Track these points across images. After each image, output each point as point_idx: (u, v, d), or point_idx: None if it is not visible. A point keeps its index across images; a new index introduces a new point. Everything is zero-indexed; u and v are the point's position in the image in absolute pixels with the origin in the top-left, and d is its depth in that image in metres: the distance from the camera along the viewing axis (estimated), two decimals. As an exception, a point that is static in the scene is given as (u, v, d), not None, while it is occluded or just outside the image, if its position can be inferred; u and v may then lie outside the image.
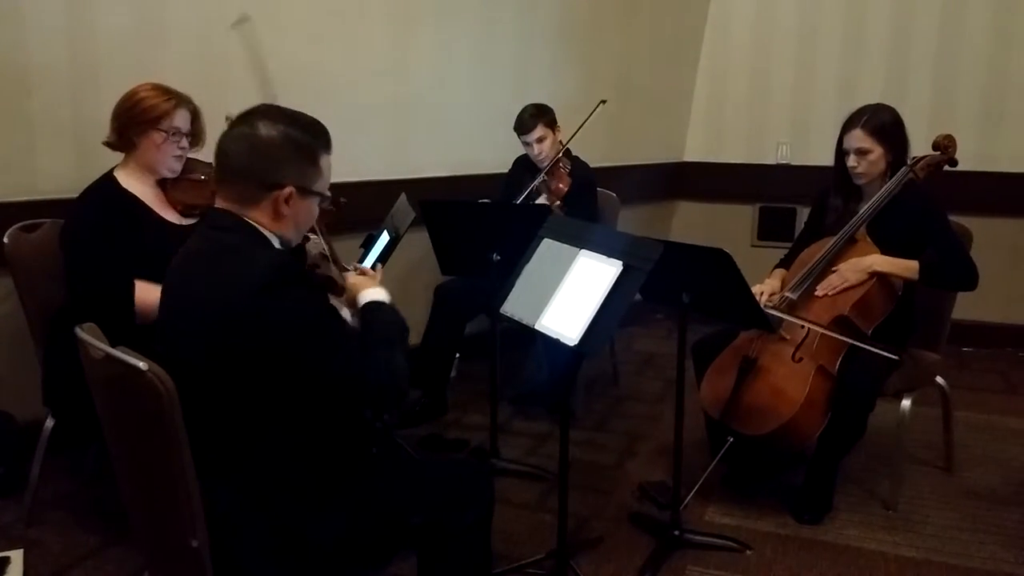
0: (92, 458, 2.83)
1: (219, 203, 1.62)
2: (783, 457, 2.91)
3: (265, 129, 1.57)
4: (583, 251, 2.13)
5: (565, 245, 2.19)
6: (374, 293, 1.77)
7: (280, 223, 1.61)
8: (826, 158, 4.47)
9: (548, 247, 2.26)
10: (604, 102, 3.47)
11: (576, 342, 2.00)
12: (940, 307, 2.87)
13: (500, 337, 3.02)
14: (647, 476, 2.96)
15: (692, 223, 4.94)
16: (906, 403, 2.72)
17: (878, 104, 2.76)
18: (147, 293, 2.28)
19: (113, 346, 1.53)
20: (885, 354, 2.50)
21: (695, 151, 4.95)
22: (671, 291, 2.37)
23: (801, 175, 4.59)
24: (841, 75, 4.52)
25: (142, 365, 1.34)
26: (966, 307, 3.01)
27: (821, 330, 2.57)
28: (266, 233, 1.60)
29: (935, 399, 2.99)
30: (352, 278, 1.85)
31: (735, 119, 4.82)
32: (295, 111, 1.64)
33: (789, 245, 4.54)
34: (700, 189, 4.94)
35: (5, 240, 2.48)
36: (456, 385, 3.61)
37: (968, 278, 2.65)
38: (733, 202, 4.86)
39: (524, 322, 2.17)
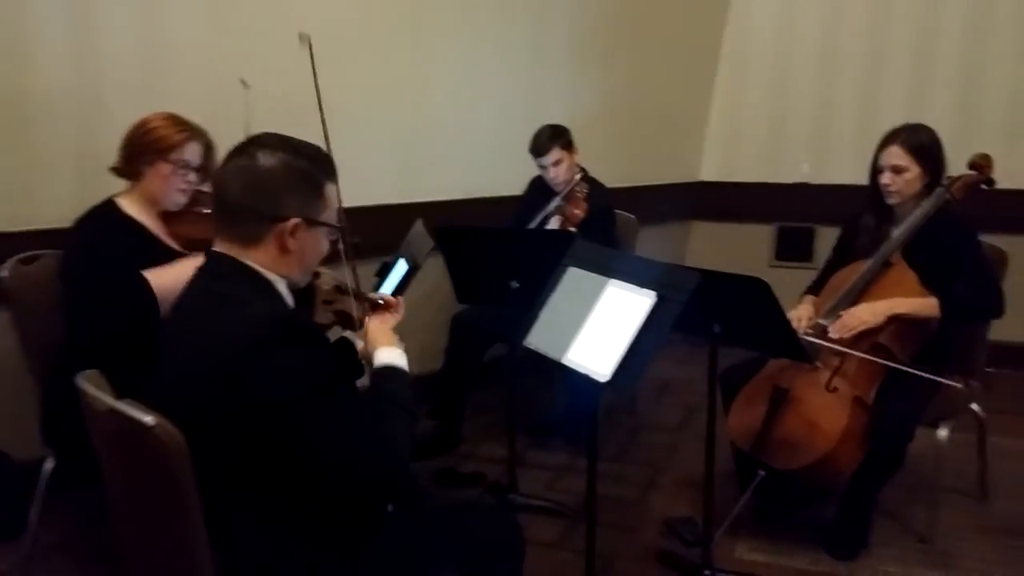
0: (94, 500, 2.70)
1: (218, 245, 1.49)
2: (814, 488, 2.79)
3: (264, 159, 1.45)
4: (612, 281, 2.03)
5: (592, 274, 2.09)
6: (389, 355, 1.63)
7: (286, 260, 1.48)
8: (847, 176, 4.45)
9: (574, 276, 2.16)
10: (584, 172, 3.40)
11: (608, 378, 1.89)
12: (975, 333, 2.77)
13: (514, 365, 2.91)
14: (672, 510, 2.85)
15: (709, 244, 4.85)
16: (943, 432, 2.60)
17: (917, 123, 2.68)
18: (162, 278, 2.15)
19: (118, 387, 1.42)
20: (927, 375, 2.38)
21: (712, 170, 4.86)
22: (701, 320, 2.26)
23: (820, 194, 4.52)
24: (862, 92, 4.43)
25: (149, 420, 1.23)
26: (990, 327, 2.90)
27: (859, 354, 2.45)
28: (270, 277, 1.48)
29: (966, 424, 2.85)
30: (372, 330, 1.70)
31: (753, 137, 4.73)
32: (295, 139, 1.52)
33: (808, 266, 4.56)
34: (717, 209, 4.84)
35: (4, 273, 2.37)
36: (469, 415, 3.49)
37: (993, 309, 2.57)
38: (751, 222, 4.76)
39: (550, 356, 2.07)
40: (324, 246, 1.55)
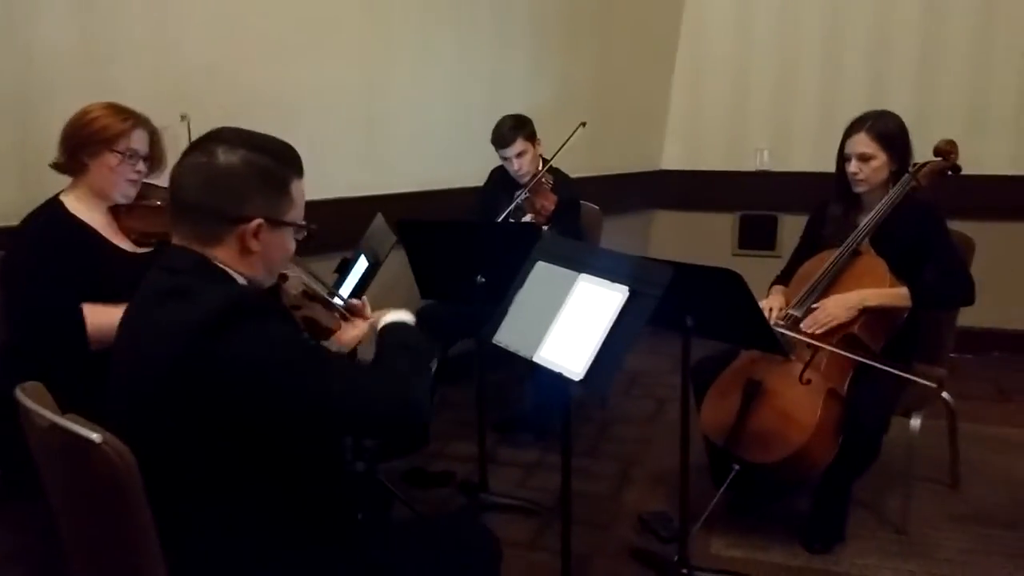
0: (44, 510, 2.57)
1: (176, 240, 1.40)
2: (788, 481, 2.76)
3: (224, 155, 1.36)
4: (583, 275, 1.97)
5: (562, 269, 2.03)
6: (394, 315, 1.61)
7: (249, 261, 1.40)
8: (807, 164, 4.44)
9: (543, 271, 2.09)
10: (584, 124, 3.29)
11: (581, 377, 1.83)
12: (942, 320, 2.77)
13: (482, 361, 2.84)
14: (645, 506, 2.81)
15: (671, 233, 4.81)
16: (915, 422, 2.59)
17: (883, 110, 2.64)
18: (99, 316, 2.06)
19: (64, 396, 1.33)
20: (902, 374, 2.37)
21: (673, 159, 4.81)
22: (673, 313, 2.20)
23: (782, 182, 4.51)
24: (821, 79, 4.42)
25: (95, 437, 1.14)
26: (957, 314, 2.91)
27: (831, 348, 2.43)
28: (231, 272, 1.39)
29: (935, 412, 2.84)
30: (371, 315, 1.67)
31: (713, 125, 4.70)
32: (259, 133, 1.44)
33: (771, 254, 4.55)
34: (679, 198, 4.80)
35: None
36: (436, 412, 3.41)
37: (965, 296, 2.56)
38: (713, 211, 4.73)
39: (520, 354, 2.00)
40: (290, 246, 1.47)
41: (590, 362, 1.83)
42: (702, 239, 4.65)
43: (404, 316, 1.64)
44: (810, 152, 4.37)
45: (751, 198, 4.63)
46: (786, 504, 2.77)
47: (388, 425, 1.40)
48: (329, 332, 1.73)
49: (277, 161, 1.41)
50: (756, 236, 4.64)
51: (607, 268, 1.92)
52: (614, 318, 1.84)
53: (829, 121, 4.24)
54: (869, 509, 2.76)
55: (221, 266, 1.38)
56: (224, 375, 1.24)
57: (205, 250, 1.37)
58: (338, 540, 1.44)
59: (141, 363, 1.31)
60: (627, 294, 1.85)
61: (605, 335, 1.83)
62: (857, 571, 2.45)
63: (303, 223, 1.47)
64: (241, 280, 1.41)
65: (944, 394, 2.79)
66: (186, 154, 1.40)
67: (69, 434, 1.17)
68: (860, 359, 2.42)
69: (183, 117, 2.44)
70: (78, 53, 2.73)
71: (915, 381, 2.41)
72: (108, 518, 1.23)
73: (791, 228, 4.48)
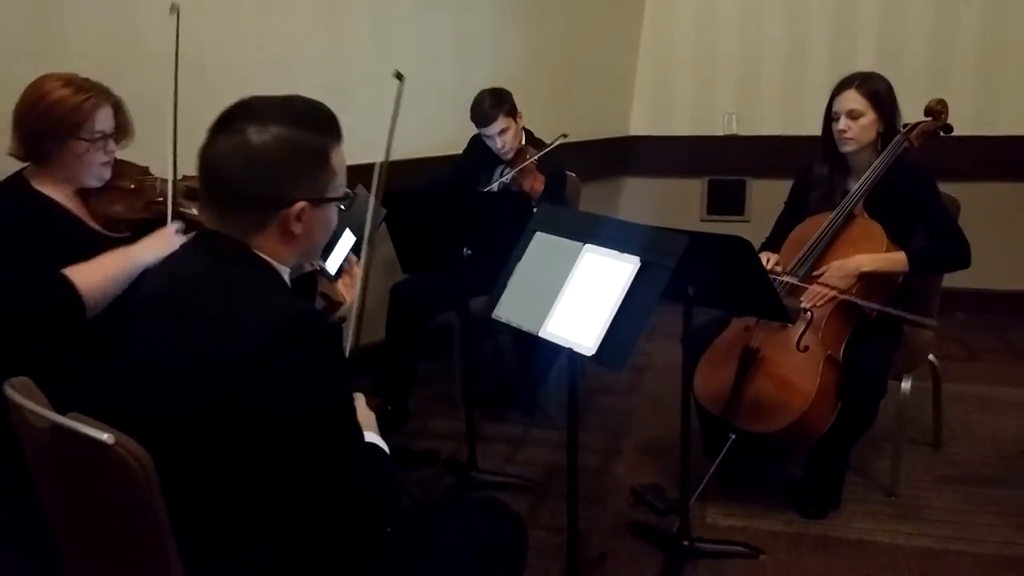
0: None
1: (211, 226, 1.27)
2: (780, 448, 2.74)
3: (256, 135, 1.22)
4: (588, 246, 1.89)
5: (565, 240, 1.94)
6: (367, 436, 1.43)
7: (291, 246, 1.28)
8: (775, 128, 4.42)
9: (543, 242, 2.00)
10: (565, 136, 3.25)
11: (593, 352, 1.76)
12: (930, 282, 2.76)
13: (467, 335, 2.76)
14: (636, 478, 2.76)
15: (641, 199, 4.76)
16: (906, 385, 2.59)
17: (871, 71, 2.60)
18: (85, 275, 1.87)
19: (52, 392, 1.21)
20: (918, 319, 2.42)
21: (641, 124, 4.74)
22: (673, 282, 2.13)
23: (750, 145, 4.48)
24: (788, 42, 4.38)
25: (107, 438, 1.02)
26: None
27: (840, 296, 2.40)
28: (276, 265, 1.28)
29: (920, 373, 2.84)
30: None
31: (680, 90, 4.64)
32: (288, 99, 1.30)
33: (740, 219, 4.53)
34: (647, 164, 4.74)
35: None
36: (415, 387, 3.31)
37: (960, 258, 2.53)
38: (681, 176, 4.69)
39: (525, 329, 1.92)
40: (334, 219, 1.35)
41: (602, 336, 1.76)
42: (671, 205, 4.63)
43: (375, 439, 1.47)
44: (778, 116, 4.35)
45: (719, 162, 4.59)
46: (777, 471, 2.76)
47: (361, 520, 1.27)
48: (338, 304, 1.67)
49: (313, 131, 1.27)
50: (725, 201, 4.62)
51: (614, 238, 1.85)
52: (625, 290, 1.77)
53: (796, 86, 4.24)
54: (857, 473, 2.75)
55: (262, 255, 1.27)
56: (276, 391, 1.13)
57: (244, 238, 1.26)
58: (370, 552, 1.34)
59: (183, 360, 1.18)
60: (638, 265, 1.78)
61: (616, 308, 1.76)
62: (854, 535, 2.44)
63: (346, 191, 1.34)
64: (284, 272, 1.30)
65: (931, 357, 2.80)
66: (214, 133, 1.26)
67: (75, 436, 1.04)
68: (874, 306, 2.40)
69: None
70: (22, 16, 2.52)
71: (913, 321, 2.45)
72: (121, 523, 1.12)
73: (760, 192, 4.48)
